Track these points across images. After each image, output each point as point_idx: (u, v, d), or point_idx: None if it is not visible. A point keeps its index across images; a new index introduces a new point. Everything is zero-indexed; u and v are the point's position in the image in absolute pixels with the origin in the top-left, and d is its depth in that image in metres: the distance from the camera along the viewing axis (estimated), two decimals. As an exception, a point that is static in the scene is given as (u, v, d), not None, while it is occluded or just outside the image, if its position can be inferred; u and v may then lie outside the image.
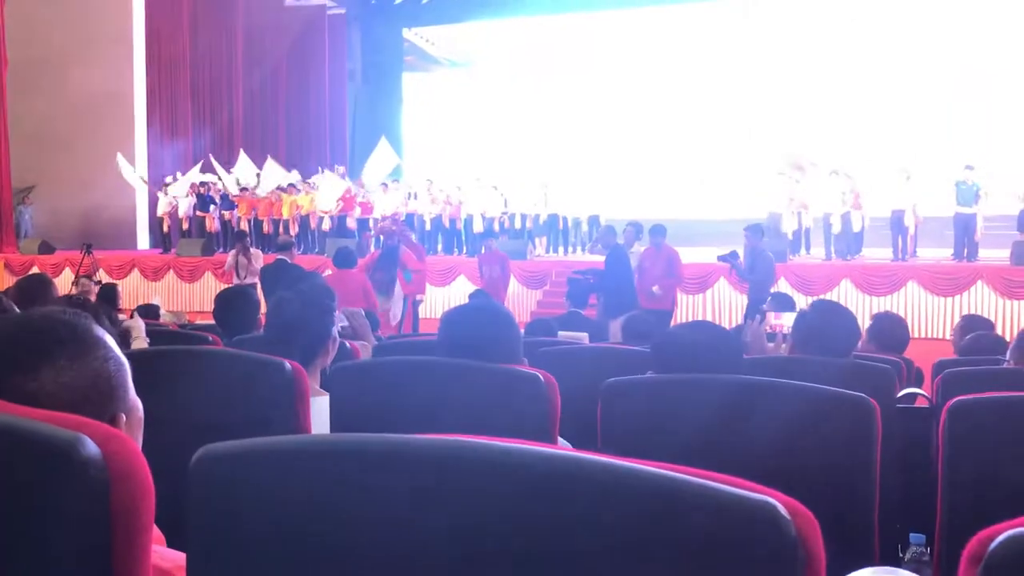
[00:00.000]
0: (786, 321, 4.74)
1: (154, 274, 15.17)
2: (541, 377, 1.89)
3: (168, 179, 17.10)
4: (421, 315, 11.70)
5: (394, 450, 0.71)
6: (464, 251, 15.16)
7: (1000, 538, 0.65)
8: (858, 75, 17.72)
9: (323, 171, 17.11)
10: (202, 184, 17.15)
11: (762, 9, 18.35)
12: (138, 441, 1.14)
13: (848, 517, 1.70)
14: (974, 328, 4.77)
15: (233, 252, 11.15)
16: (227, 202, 16.77)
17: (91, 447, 0.88)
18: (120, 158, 16.28)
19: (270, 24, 19.91)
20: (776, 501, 0.66)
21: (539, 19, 20.01)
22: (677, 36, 18.77)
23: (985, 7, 16.61)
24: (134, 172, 16.57)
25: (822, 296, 11.43)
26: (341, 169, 17.15)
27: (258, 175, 16.92)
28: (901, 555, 2.39)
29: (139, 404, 1.17)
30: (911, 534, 2.38)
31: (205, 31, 18.90)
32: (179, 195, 16.69)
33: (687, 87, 18.85)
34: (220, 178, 16.94)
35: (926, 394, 3.08)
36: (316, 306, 2.41)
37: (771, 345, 3.56)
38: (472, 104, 21.00)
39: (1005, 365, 2.94)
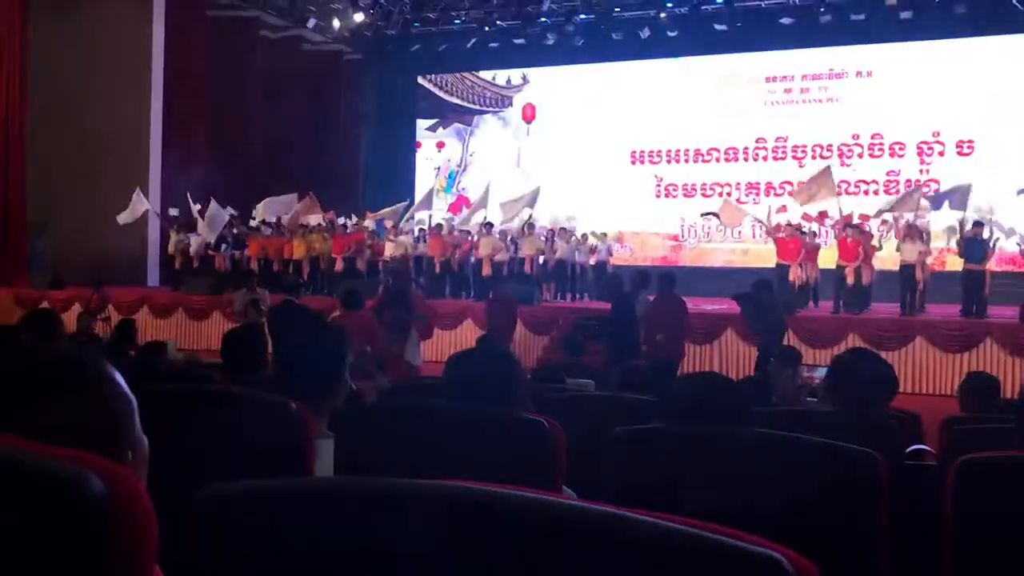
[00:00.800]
0: (818, 373, 4.74)
1: (163, 311, 15.21)
2: (546, 423, 1.88)
3: (174, 211, 17.23)
4: (427, 358, 11.71)
5: (395, 494, 0.71)
6: (472, 295, 15.19)
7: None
8: (865, 130, 17.85)
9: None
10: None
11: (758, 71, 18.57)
12: (143, 479, 1.14)
13: (855, 573, 1.68)
14: (979, 386, 4.74)
15: (241, 294, 11.15)
16: (238, 241, 16.87)
17: (96, 483, 0.88)
18: (138, 192, 16.48)
19: (288, 67, 20.18)
20: (781, 556, 0.66)
21: (553, 69, 20.26)
22: (685, 87, 18.96)
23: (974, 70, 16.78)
24: (143, 206, 16.69)
25: (831, 348, 11.40)
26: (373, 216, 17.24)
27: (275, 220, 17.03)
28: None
29: (145, 441, 1.17)
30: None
31: (223, 71, 19.15)
32: (205, 237, 16.79)
33: (698, 133, 19.00)
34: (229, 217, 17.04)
35: (932, 451, 3.05)
36: (325, 349, 2.42)
37: (813, 400, 3.54)
38: (493, 149, 21.22)
39: (1011, 424, 2.92)
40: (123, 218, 16.39)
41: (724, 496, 1.63)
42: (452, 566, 0.69)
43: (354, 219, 17.03)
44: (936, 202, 13.68)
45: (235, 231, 17.07)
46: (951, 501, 1.64)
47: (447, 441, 1.86)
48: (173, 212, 17.31)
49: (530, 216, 15.95)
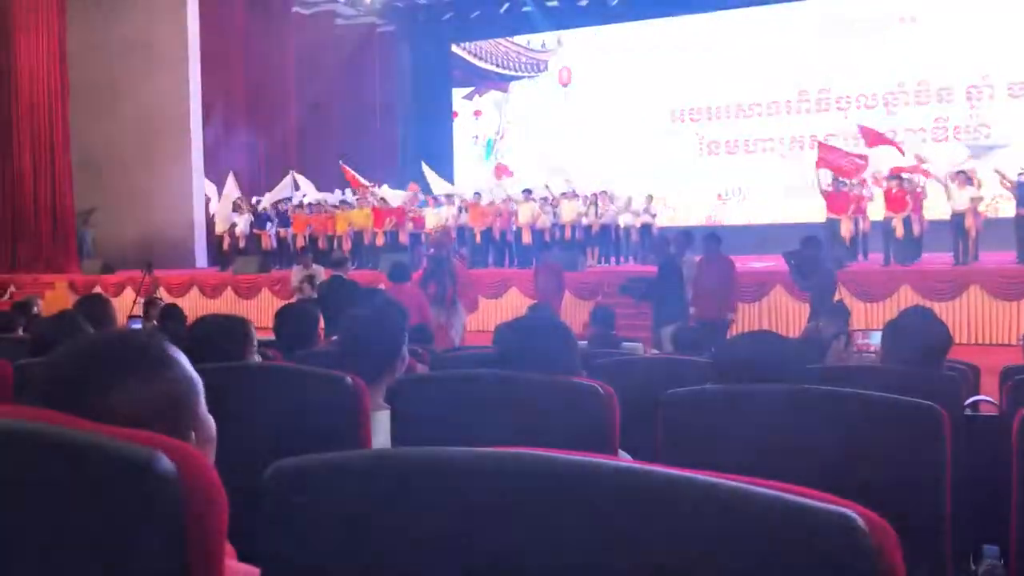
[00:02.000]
0: (873, 340, 4.67)
1: (213, 291, 15.44)
2: (600, 389, 1.88)
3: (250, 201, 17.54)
4: (473, 327, 11.75)
5: (464, 463, 0.71)
6: (515, 263, 15.18)
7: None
8: (910, 77, 17.43)
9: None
10: (257, 201, 17.48)
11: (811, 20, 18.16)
12: (210, 457, 1.16)
13: (919, 530, 1.66)
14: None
15: (298, 270, 11.23)
16: (283, 219, 17.04)
17: (166, 463, 0.90)
18: (231, 179, 16.86)
19: (322, 42, 20.23)
20: (854, 513, 0.65)
21: (589, 30, 20.04)
22: (723, 41, 18.63)
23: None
24: (235, 192, 17.07)
25: (883, 302, 11.23)
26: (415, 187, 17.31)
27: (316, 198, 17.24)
28: (974, 567, 2.33)
29: (211, 421, 1.20)
30: (985, 546, 2.32)
31: (258, 49, 19.26)
32: (265, 207, 17.16)
33: (738, 87, 18.70)
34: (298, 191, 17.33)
35: (994, 401, 3.00)
36: (388, 324, 2.44)
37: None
38: (530, 114, 21.12)
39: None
40: (221, 212, 16.90)
41: (782, 456, 1.61)
42: (524, 535, 0.69)
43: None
44: None
45: (279, 209, 17.24)
46: (1017, 451, 1.61)
47: (501, 409, 1.87)
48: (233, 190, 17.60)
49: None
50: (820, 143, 14.50)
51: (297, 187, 17.47)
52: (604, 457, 0.75)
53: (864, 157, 13.64)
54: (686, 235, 10.39)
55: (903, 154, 13.65)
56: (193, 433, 1.15)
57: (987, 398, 3.12)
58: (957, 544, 1.97)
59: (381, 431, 2.08)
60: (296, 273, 11.15)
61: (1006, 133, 14.04)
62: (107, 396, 1.09)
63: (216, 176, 17.93)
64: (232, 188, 17.21)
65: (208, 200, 18.07)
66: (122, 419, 1.06)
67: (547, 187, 15.91)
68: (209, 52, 18.21)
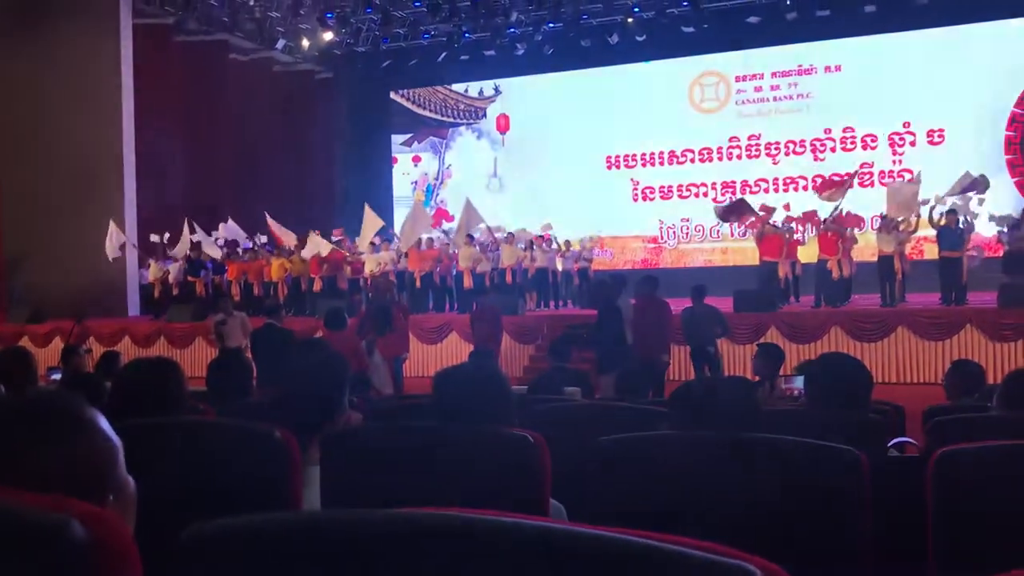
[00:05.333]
0: (797, 384, 4.78)
1: (145, 340, 15.12)
2: (531, 438, 1.90)
3: (155, 238, 17.14)
4: (412, 373, 11.69)
5: (379, 526, 0.72)
6: (456, 308, 15.19)
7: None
8: (836, 124, 18.01)
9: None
10: (192, 249, 17.21)
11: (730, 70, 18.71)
12: (130, 521, 1.14)
13: (840, 570, 1.70)
14: (965, 374, 4.79)
15: (215, 317, 11.09)
16: (217, 266, 16.82)
17: (78, 529, 0.88)
18: (112, 226, 16.34)
19: (259, 88, 20.17)
20: (754, 567, 0.67)
21: (526, 79, 20.34)
22: (656, 90, 19.07)
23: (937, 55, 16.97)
24: (120, 239, 16.53)
25: (814, 343, 11.47)
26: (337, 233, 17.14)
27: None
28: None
29: (131, 483, 1.17)
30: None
31: (195, 96, 19.12)
32: (177, 257, 16.76)
33: (671, 135, 19.10)
34: (199, 241, 16.94)
35: (915, 443, 3.08)
36: (328, 376, 2.43)
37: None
38: (469, 160, 21.28)
39: (992, 412, 2.96)
40: (110, 252, 16.27)
41: (708, 502, 1.64)
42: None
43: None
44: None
45: (220, 253, 17.01)
46: (931, 494, 1.67)
47: (434, 461, 1.87)
48: (154, 238, 17.21)
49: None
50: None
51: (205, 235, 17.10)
52: (520, 516, 0.76)
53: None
54: (618, 278, 10.51)
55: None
56: (111, 496, 1.13)
57: (909, 440, 3.21)
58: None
59: (312, 488, 2.06)
60: (213, 321, 11.06)
61: (927, 179, 14.59)
62: (23, 459, 1.07)
63: (152, 223, 17.61)
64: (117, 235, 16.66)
65: (163, 235, 17.60)
66: (39, 483, 1.04)
67: (488, 228, 16.00)
68: (144, 100, 18.01)
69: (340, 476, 1.98)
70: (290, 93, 20.96)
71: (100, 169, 17.46)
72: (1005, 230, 13.18)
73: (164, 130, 18.53)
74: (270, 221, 17.02)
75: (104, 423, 1.15)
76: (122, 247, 16.61)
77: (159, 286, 16.97)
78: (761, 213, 13.98)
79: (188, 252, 16.75)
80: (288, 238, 16.73)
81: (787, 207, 14.94)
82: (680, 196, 19.09)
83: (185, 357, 14.65)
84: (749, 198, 16.18)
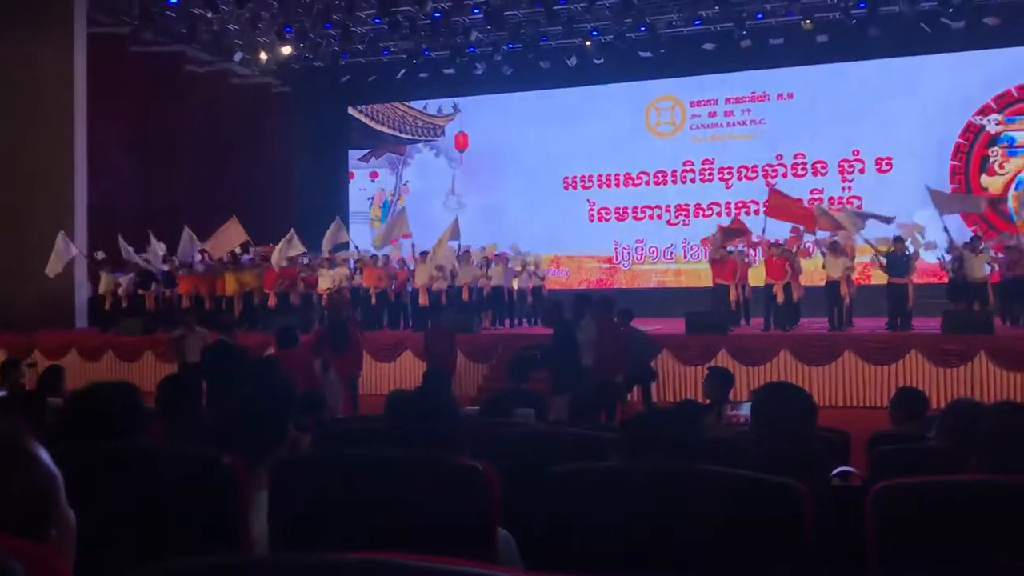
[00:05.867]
0: (744, 411, 4.84)
1: (92, 354, 14.85)
2: (480, 468, 1.91)
3: (101, 254, 16.84)
4: (366, 390, 11.61)
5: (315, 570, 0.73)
6: (411, 325, 15.14)
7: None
8: (788, 150, 18.34)
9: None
10: (145, 261, 16.95)
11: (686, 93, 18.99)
12: (70, 554, 1.13)
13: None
14: (909, 400, 4.89)
15: (178, 332, 10.94)
16: (169, 279, 16.58)
17: (15, 568, 0.88)
18: (62, 236, 16.04)
19: (216, 100, 19.99)
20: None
21: (483, 98, 20.43)
22: (613, 113, 19.27)
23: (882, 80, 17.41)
24: (68, 252, 16.23)
25: (764, 366, 11.64)
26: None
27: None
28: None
29: (71, 516, 1.16)
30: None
31: (150, 107, 18.87)
32: (123, 273, 16.48)
33: (627, 157, 19.30)
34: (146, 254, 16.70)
35: (858, 473, 3.15)
36: (274, 402, 2.41)
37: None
38: (426, 177, 21.28)
39: (931, 442, 3.04)
40: (51, 269, 15.91)
41: (651, 533, 1.67)
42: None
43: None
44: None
45: (165, 269, 16.77)
46: (870, 526, 1.71)
47: (382, 490, 1.88)
48: (100, 255, 16.90)
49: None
50: (773, 189, 14.65)
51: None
52: (458, 562, 0.77)
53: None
54: (582, 299, 10.48)
55: (813, 232, 14.04)
56: (54, 531, 1.12)
57: (851, 469, 3.28)
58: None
59: (259, 512, 2.05)
60: (174, 336, 10.92)
61: (875, 206, 14.92)
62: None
63: (102, 235, 17.30)
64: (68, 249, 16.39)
65: (96, 254, 17.29)
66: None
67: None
68: (97, 110, 17.75)
69: (289, 503, 1.98)
70: (247, 106, 20.79)
71: (51, 178, 17.15)
72: (948, 258, 13.50)
73: (118, 141, 18.27)
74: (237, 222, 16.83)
75: (45, 456, 1.14)
76: (70, 262, 16.30)
77: (109, 298, 16.68)
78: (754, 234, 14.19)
79: (139, 264, 16.50)
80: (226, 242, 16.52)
81: (707, 240, 15.17)
82: (635, 218, 19.28)
83: (133, 371, 14.42)
84: (702, 222, 16.43)
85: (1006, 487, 1.64)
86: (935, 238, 13.69)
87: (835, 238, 13.42)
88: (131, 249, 16.44)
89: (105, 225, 17.28)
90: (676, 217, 18.84)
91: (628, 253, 19.33)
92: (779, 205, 13.85)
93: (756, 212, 17.60)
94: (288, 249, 15.75)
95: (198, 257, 16.88)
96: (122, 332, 15.22)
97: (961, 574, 1.54)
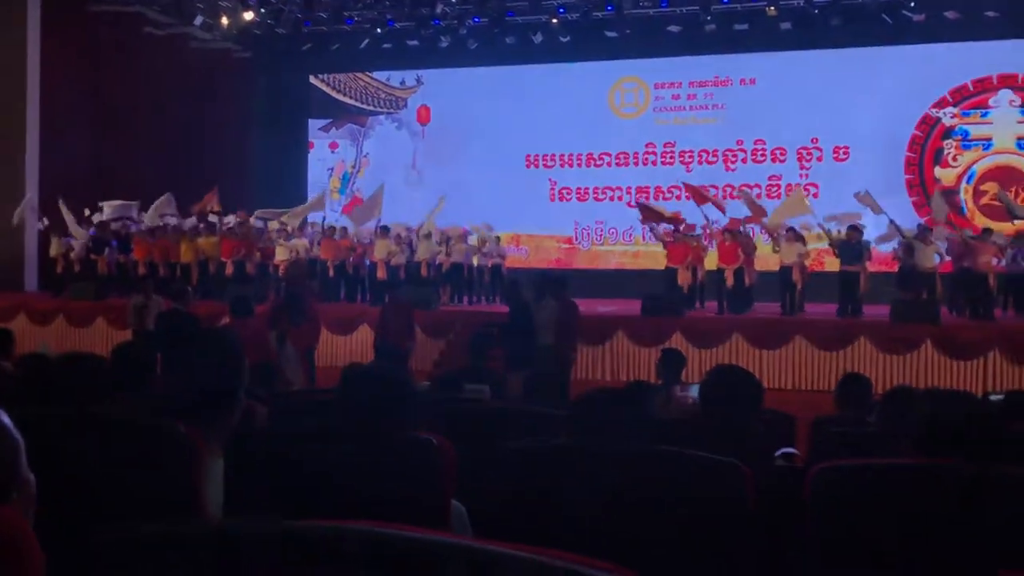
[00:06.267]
0: (692, 393, 4.93)
1: (42, 318, 14.61)
2: (435, 442, 1.95)
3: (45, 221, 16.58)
4: (323, 363, 11.58)
5: (268, 536, 0.77)
6: (368, 299, 15.09)
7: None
8: (748, 136, 18.51)
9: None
10: (98, 225, 16.69)
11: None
12: (30, 516, 1.15)
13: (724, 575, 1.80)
14: (854, 387, 5.02)
15: (136, 299, 10.80)
16: (123, 244, 16.33)
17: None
18: (28, 199, 15.82)
19: (174, 65, 19.61)
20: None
21: (447, 72, 20.31)
22: (577, 92, 19.28)
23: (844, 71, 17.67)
24: (33, 210, 16.02)
25: (716, 349, 11.82)
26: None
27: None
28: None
29: (31, 479, 1.18)
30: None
31: (106, 69, 18.51)
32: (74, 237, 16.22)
33: (590, 137, 19.34)
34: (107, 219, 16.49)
35: (800, 454, 3.25)
36: (224, 368, 2.41)
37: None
38: (387, 150, 21.14)
39: (871, 427, 3.14)
40: (17, 217, 15.72)
41: (600, 511, 1.73)
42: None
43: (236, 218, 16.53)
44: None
45: (120, 233, 16.52)
46: (808, 507, 1.78)
47: (337, 462, 1.91)
48: (44, 222, 16.59)
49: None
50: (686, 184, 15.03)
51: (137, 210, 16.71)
52: (421, 530, 0.81)
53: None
54: (545, 279, 10.50)
55: (724, 212, 14.54)
56: (15, 493, 1.14)
57: (794, 451, 3.37)
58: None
59: (214, 481, 2.07)
60: (132, 303, 10.77)
61: (832, 193, 15.16)
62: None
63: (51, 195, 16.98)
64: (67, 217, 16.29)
65: (42, 219, 17.03)
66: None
67: (408, 228, 15.99)
68: (51, 70, 17.36)
69: (245, 474, 2.00)
70: (206, 71, 20.43)
71: (2, 140, 16.78)
72: (899, 246, 13.76)
73: (72, 102, 17.90)
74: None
75: (7, 421, 1.16)
76: (20, 225, 16.05)
77: (61, 262, 16.39)
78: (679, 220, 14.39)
79: (92, 228, 16.25)
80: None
81: (677, 215, 15.35)
82: (596, 199, 19.35)
83: (84, 337, 14.23)
84: (662, 205, 16.55)
85: (935, 470, 1.72)
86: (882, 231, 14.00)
87: (791, 225, 13.63)
88: (72, 218, 16.19)
89: (57, 189, 16.95)
90: (637, 199, 18.94)
91: (588, 234, 19.42)
92: (695, 194, 14.47)
93: (716, 197, 17.74)
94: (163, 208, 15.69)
95: (173, 221, 16.58)
96: (73, 296, 14.99)
97: (891, 552, 1.61)
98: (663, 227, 14.85)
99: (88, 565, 0.83)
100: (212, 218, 16.54)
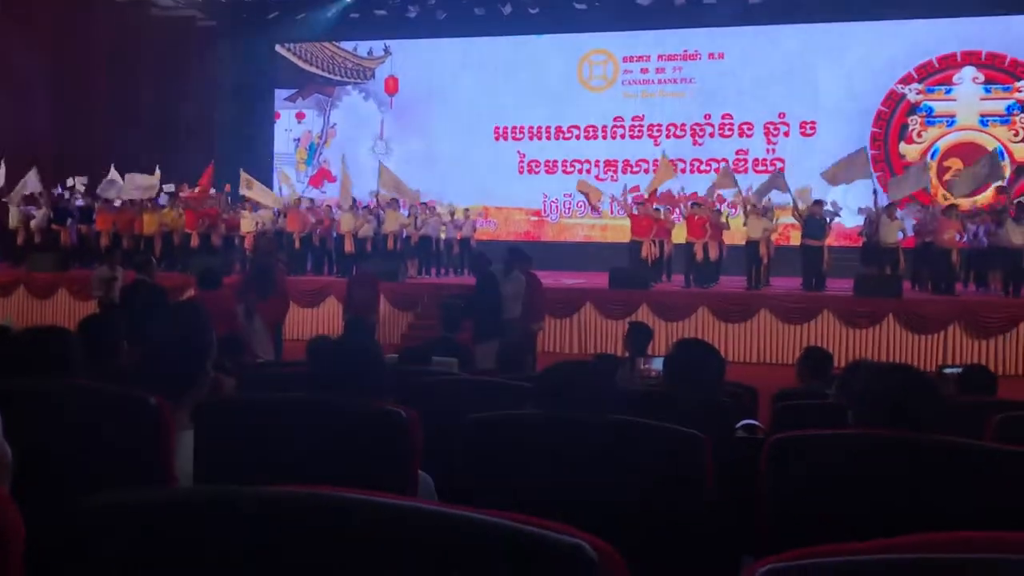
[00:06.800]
0: (656, 366, 5.01)
1: (2, 290, 14.41)
2: (403, 413, 1.98)
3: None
4: (290, 336, 11.55)
5: (239, 501, 0.80)
6: (335, 271, 15.05)
7: (761, 570, 0.79)
8: (716, 110, 18.60)
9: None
10: (60, 195, 16.45)
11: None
12: (5, 482, 1.18)
13: (683, 546, 1.86)
14: (814, 359, 5.13)
15: (102, 270, 10.67)
16: (85, 215, 16.12)
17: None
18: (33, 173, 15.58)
19: (135, 33, 19.28)
20: (584, 542, 0.78)
21: (415, 43, 20.15)
22: (546, 64, 19.24)
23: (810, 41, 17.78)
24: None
25: (683, 321, 11.95)
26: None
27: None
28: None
29: (7, 449, 1.21)
30: (744, 556, 2.58)
31: (65, 36, 18.14)
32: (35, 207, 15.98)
33: (558, 110, 19.33)
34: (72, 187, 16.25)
35: (762, 425, 3.32)
36: (191, 339, 2.43)
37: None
38: (354, 121, 20.97)
39: (830, 399, 3.22)
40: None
41: (563, 480, 1.77)
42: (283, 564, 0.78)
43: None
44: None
45: (80, 203, 16.30)
46: (765, 476, 1.84)
47: (306, 433, 1.94)
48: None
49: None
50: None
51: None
52: (376, 494, 0.84)
53: None
54: (514, 252, 10.51)
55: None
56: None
57: (755, 422, 3.45)
58: (722, 558, 2.20)
59: (184, 453, 2.09)
60: (97, 274, 10.64)
61: (798, 168, 15.29)
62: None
63: (15, 167, 16.69)
64: (33, 183, 16.07)
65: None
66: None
67: (375, 196, 15.89)
68: (7, 36, 16.98)
69: (214, 445, 2.03)
70: (169, 39, 20.09)
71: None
72: (864, 223, 13.95)
73: (30, 70, 17.53)
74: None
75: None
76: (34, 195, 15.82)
77: (22, 232, 16.15)
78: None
79: (55, 198, 16.02)
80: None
81: (635, 189, 15.40)
82: (564, 171, 19.36)
83: (46, 309, 14.07)
84: (630, 178, 16.63)
85: (877, 440, 1.78)
86: (851, 203, 14.18)
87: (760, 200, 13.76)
88: (39, 185, 15.97)
89: (14, 157, 16.66)
90: (605, 172, 18.98)
91: (556, 207, 19.45)
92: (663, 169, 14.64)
93: (683, 171, 17.85)
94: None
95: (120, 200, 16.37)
96: (34, 268, 14.79)
97: (840, 520, 1.67)
98: (631, 198, 14.96)
99: (74, 532, 0.86)
100: (168, 187, 16.34)
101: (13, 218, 16.21)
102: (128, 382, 2.35)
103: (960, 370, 4.91)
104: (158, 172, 16.38)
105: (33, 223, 16.06)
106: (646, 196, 15.03)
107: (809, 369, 4.99)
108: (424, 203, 16.13)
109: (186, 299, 7.43)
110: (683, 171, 16.94)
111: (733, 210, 15.26)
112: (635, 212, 14.34)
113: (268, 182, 18.77)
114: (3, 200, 16.46)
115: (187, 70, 20.24)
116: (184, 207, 15.66)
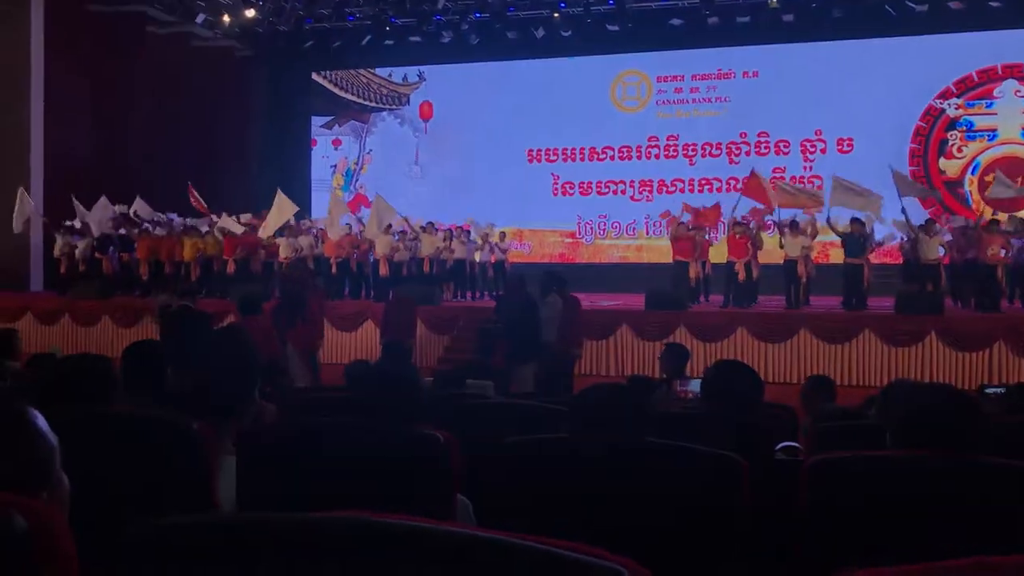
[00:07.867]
0: (693, 387, 4.99)
1: (48, 318, 14.69)
2: (441, 438, 2.00)
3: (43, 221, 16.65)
4: (328, 359, 11.63)
5: (291, 528, 0.82)
6: (371, 295, 15.15)
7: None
8: (752, 128, 18.52)
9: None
10: (102, 224, 16.73)
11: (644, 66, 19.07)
12: (65, 512, 1.21)
13: (720, 568, 1.85)
14: (819, 389, 5.04)
15: (161, 299, 10.79)
16: (126, 243, 16.39)
17: (19, 522, 0.96)
18: (22, 192, 15.86)
19: (177, 63, 19.67)
20: (623, 568, 0.79)
21: (449, 67, 20.34)
22: (579, 86, 19.30)
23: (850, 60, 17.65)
24: (30, 209, 16.07)
25: (721, 342, 11.85)
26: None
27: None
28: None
29: (64, 479, 1.24)
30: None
31: (108, 69, 18.55)
32: (94, 225, 16.21)
33: (592, 131, 19.36)
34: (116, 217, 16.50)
35: (802, 448, 3.29)
36: (240, 366, 2.46)
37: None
38: (390, 147, 21.18)
39: (870, 420, 3.18)
40: (16, 224, 15.74)
41: (600, 504, 1.77)
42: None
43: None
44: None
45: (122, 231, 16.57)
46: (804, 499, 1.83)
47: (346, 458, 1.96)
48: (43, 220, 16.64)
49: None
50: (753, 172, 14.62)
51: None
52: (418, 520, 0.86)
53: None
54: (551, 276, 10.51)
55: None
56: (46, 493, 1.19)
57: (795, 444, 3.42)
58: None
59: (227, 478, 2.12)
60: (158, 302, 10.76)
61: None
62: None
63: (60, 198, 17.04)
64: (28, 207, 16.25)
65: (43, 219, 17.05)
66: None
67: (406, 220, 15.98)
68: (55, 70, 17.42)
69: (256, 470, 2.05)
70: (209, 70, 20.48)
71: (7, 139, 16.86)
72: (905, 239, 13.78)
73: (76, 103, 17.96)
74: (192, 191, 16.59)
75: (43, 424, 1.22)
76: (28, 221, 16.10)
77: (65, 261, 16.46)
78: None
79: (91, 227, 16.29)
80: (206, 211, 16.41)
81: (666, 213, 15.19)
82: (599, 192, 19.38)
83: (90, 336, 14.32)
84: (665, 198, 16.57)
85: (914, 462, 1.76)
86: (890, 219, 13.98)
87: (794, 217, 13.64)
88: (86, 211, 16.25)
89: (61, 187, 17.02)
90: (640, 193, 18.97)
91: (591, 228, 19.45)
92: (756, 187, 13.91)
93: (719, 190, 17.80)
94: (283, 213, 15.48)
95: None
96: (77, 296, 15.06)
97: (883, 543, 1.66)
98: (685, 218, 14.70)
99: (123, 556, 0.88)
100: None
101: (58, 247, 16.52)
102: (174, 408, 2.39)
103: (1003, 390, 4.82)
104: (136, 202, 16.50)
105: (77, 252, 16.36)
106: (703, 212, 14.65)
107: (811, 398, 4.89)
108: (460, 226, 16.20)
109: (230, 325, 7.51)
110: (719, 190, 16.84)
111: (769, 230, 15.09)
112: (679, 234, 14.15)
113: (306, 208, 18.95)
114: (49, 230, 16.79)
115: (225, 99, 20.61)
116: (222, 234, 15.84)
